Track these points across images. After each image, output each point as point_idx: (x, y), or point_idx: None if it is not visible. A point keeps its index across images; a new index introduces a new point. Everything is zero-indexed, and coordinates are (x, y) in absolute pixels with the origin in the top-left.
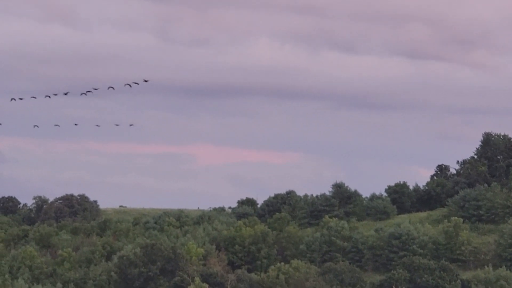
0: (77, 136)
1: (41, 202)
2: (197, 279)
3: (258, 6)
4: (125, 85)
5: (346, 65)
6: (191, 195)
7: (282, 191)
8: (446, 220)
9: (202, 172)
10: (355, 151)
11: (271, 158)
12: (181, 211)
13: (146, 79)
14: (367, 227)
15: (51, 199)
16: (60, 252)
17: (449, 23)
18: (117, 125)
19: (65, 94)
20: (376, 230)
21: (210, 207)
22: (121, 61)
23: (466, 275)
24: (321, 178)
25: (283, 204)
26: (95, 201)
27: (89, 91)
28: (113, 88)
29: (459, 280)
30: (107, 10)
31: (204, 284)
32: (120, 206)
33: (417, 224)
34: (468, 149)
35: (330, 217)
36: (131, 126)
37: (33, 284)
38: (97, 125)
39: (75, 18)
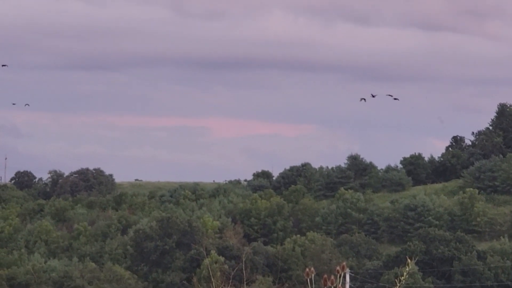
0: (91, 110)
1: (56, 176)
2: (213, 252)
3: None
4: None
5: (360, 37)
6: (206, 168)
7: (297, 163)
8: (462, 192)
9: (217, 145)
10: (369, 123)
11: (285, 131)
12: (196, 184)
13: (4, 64)
14: (382, 199)
15: (66, 173)
16: (76, 226)
17: None
18: None
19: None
20: (391, 202)
21: (225, 180)
22: (135, 34)
23: (481, 246)
24: (335, 150)
25: (299, 176)
26: (111, 175)
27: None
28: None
29: (474, 251)
30: None
31: (220, 257)
32: (136, 180)
33: (432, 196)
34: (483, 120)
35: (346, 189)
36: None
37: (49, 259)
38: (395, 98)
39: None
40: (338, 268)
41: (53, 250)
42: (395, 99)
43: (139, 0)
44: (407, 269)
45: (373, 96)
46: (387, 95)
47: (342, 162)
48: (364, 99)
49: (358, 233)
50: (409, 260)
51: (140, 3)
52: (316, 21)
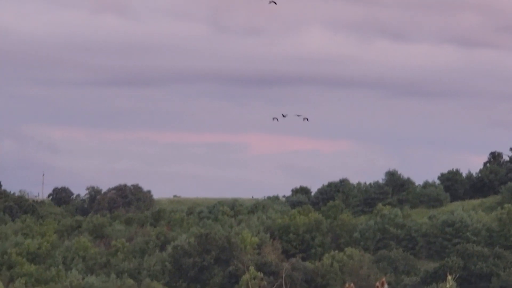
0: (130, 125)
1: (94, 193)
2: (252, 268)
3: None
4: None
5: (397, 53)
6: (245, 184)
7: (335, 179)
8: (500, 207)
9: (255, 161)
10: (407, 138)
11: (323, 147)
12: (235, 200)
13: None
14: (420, 215)
15: (104, 189)
16: (113, 242)
17: (500, 10)
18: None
19: None
20: (429, 218)
21: (264, 196)
22: (174, 50)
23: None
24: (373, 166)
25: (337, 192)
26: (149, 191)
27: None
28: None
29: None
30: (158, 0)
31: (259, 273)
32: (174, 196)
33: (470, 212)
34: None
35: (384, 205)
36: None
37: (86, 275)
38: (306, 118)
39: (126, 8)
40: (377, 284)
41: (90, 266)
42: (304, 119)
43: (178, 16)
44: (447, 285)
45: (284, 116)
46: (296, 115)
47: (380, 178)
48: (277, 119)
49: (396, 248)
50: (449, 277)
51: (178, 19)
52: (353, 37)
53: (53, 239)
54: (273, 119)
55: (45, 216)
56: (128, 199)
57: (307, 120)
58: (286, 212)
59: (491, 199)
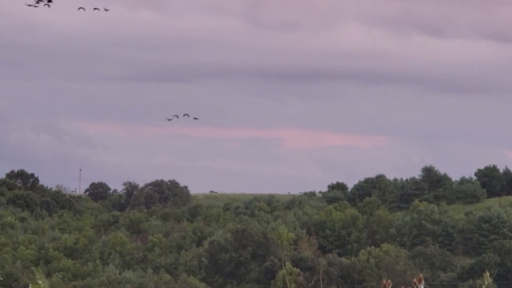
0: (165, 121)
1: (131, 188)
2: (288, 264)
3: None
4: None
5: (434, 48)
6: (281, 179)
7: (370, 174)
8: None
9: (291, 156)
10: (443, 134)
11: (358, 142)
12: (271, 196)
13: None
14: (457, 211)
15: (141, 184)
16: (150, 237)
17: None
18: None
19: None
20: (466, 214)
21: (300, 192)
22: (210, 45)
23: None
24: (409, 162)
25: (373, 188)
26: (186, 187)
27: None
28: None
29: None
30: None
31: (295, 268)
32: (211, 192)
33: (507, 208)
34: None
35: (420, 201)
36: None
37: (123, 270)
38: (195, 118)
39: (162, 3)
40: (415, 280)
41: (127, 261)
42: (195, 118)
43: (214, 11)
44: (485, 282)
45: (186, 115)
46: (184, 115)
47: (416, 173)
48: (177, 116)
49: (433, 244)
50: (487, 273)
51: (215, 14)
52: (390, 32)
53: (90, 234)
54: (168, 119)
55: (82, 211)
56: (165, 195)
57: (197, 119)
58: (322, 208)
59: None
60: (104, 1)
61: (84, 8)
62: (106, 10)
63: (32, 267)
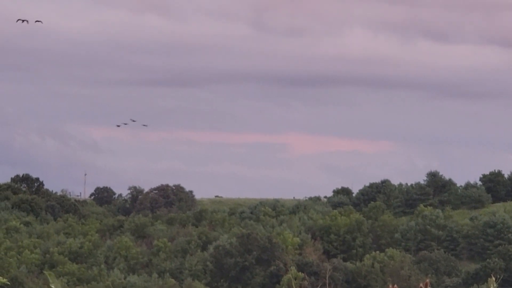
0: (172, 125)
1: (136, 193)
2: (293, 268)
3: None
4: None
5: (439, 54)
6: (286, 184)
7: (375, 179)
8: None
9: (296, 161)
10: (448, 139)
11: (364, 147)
12: (276, 200)
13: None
14: (461, 216)
15: (146, 189)
16: (155, 242)
17: None
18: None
19: None
20: (471, 219)
21: (305, 197)
22: (216, 51)
23: None
24: (414, 167)
25: (378, 193)
26: (191, 191)
27: None
28: None
29: None
30: (201, 0)
31: (300, 273)
32: (216, 196)
33: None
34: None
35: (425, 206)
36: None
37: (128, 274)
38: (144, 125)
39: (169, 8)
40: (421, 285)
41: (132, 266)
42: (143, 125)
43: (221, 16)
44: (491, 287)
45: (134, 121)
46: (131, 120)
47: (420, 178)
48: (123, 124)
49: (437, 249)
50: (492, 278)
51: (221, 20)
52: (395, 38)
53: (95, 239)
54: (117, 126)
55: (87, 216)
56: (170, 199)
57: (146, 125)
58: (327, 213)
59: None
60: (111, 6)
61: (27, 21)
62: (38, 21)
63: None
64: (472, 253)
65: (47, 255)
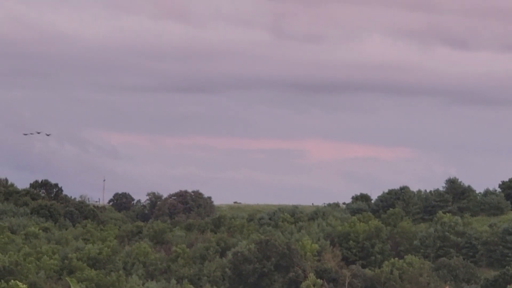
0: (190, 131)
1: (155, 199)
2: (312, 275)
3: (372, 2)
4: None
5: (458, 61)
6: (305, 190)
7: (393, 186)
8: None
9: (314, 167)
10: (467, 146)
11: (382, 154)
12: (295, 207)
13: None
14: (481, 223)
15: (165, 195)
16: (174, 248)
17: None
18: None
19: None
20: (490, 226)
21: (324, 203)
22: (234, 56)
23: None
24: (432, 174)
25: (397, 199)
26: (209, 197)
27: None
28: None
29: None
30: (220, 6)
31: (319, 279)
32: (235, 202)
33: None
34: None
35: (444, 213)
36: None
37: (147, 281)
38: (47, 134)
39: (188, 14)
40: None
41: (151, 272)
42: (47, 134)
43: (239, 22)
44: None
45: (47, 135)
46: (37, 132)
47: (439, 185)
48: (31, 133)
49: (456, 256)
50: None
51: (240, 25)
52: (414, 45)
53: (114, 245)
54: (24, 134)
55: (105, 222)
56: (189, 205)
57: (49, 135)
58: (346, 219)
59: None
60: (130, 12)
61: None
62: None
63: (66, 277)
64: (491, 260)
65: (66, 261)
